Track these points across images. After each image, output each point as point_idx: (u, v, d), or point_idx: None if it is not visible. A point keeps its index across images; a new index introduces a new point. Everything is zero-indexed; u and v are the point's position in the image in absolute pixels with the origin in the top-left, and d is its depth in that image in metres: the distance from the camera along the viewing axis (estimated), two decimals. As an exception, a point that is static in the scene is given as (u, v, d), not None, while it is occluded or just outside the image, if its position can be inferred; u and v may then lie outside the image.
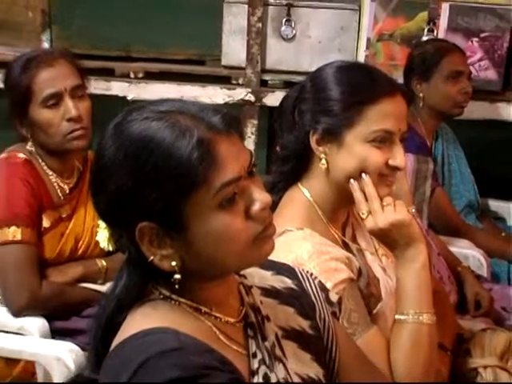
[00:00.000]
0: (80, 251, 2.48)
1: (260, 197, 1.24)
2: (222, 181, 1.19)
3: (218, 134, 1.21)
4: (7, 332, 2.28)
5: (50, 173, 2.45)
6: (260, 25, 3.28)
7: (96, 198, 1.30)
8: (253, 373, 1.30)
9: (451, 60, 3.23)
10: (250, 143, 3.28)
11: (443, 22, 3.44)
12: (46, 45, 3.59)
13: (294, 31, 3.31)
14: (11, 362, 2.27)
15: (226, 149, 1.21)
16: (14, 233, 2.32)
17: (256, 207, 1.23)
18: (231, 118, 1.25)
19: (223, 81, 3.45)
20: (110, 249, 1.46)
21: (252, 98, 3.34)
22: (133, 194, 1.21)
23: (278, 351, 1.35)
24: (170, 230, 1.22)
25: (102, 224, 1.37)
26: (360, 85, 1.79)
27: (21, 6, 3.66)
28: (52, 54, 2.50)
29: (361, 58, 3.40)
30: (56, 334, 2.34)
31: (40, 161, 2.44)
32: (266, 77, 3.38)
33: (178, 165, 1.18)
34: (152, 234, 1.23)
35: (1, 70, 3.28)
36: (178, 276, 1.24)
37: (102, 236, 1.35)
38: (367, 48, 3.42)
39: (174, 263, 1.24)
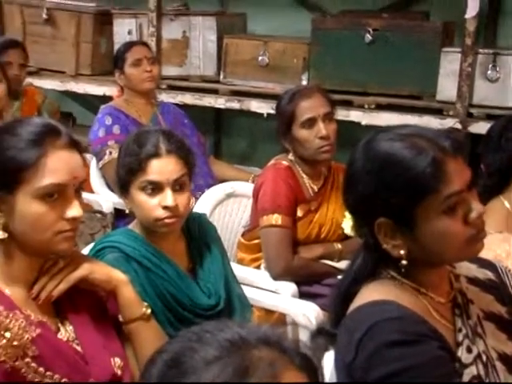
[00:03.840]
0: (322, 235, 2.47)
1: (476, 207, 1.19)
2: (448, 192, 1.16)
3: (448, 155, 1.18)
4: (267, 290, 2.31)
5: (304, 176, 2.47)
6: (470, 69, 3.16)
7: (346, 195, 1.30)
8: (458, 344, 1.24)
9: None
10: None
11: None
12: (304, 82, 3.64)
13: (499, 75, 3.14)
14: (269, 312, 2.30)
15: (453, 167, 1.17)
16: (276, 219, 2.35)
17: (473, 215, 1.18)
18: (459, 143, 1.21)
19: (436, 112, 3.34)
20: (352, 234, 1.44)
21: (459, 126, 3.21)
22: (376, 196, 1.21)
23: (479, 329, 1.28)
24: (402, 226, 1.20)
25: (347, 215, 1.37)
26: None
27: (288, 54, 3.74)
28: (311, 88, 2.52)
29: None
30: (302, 295, 2.35)
31: (297, 167, 2.46)
32: (473, 110, 3.24)
33: (414, 177, 1.17)
34: (387, 228, 1.21)
35: (272, 100, 3.44)
36: (404, 262, 1.22)
37: (347, 224, 1.35)
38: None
39: (402, 252, 1.22)
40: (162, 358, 0.73)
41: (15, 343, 1.22)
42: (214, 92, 3.91)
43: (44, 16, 4.19)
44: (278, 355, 0.71)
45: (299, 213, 2.43)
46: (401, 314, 1.20)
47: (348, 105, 3.48)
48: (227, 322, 0.76)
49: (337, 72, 3.53)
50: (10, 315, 1.24)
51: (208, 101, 3.90)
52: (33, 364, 1.24)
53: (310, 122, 2.36)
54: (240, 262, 2.51)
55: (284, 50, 3.76)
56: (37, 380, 1.24)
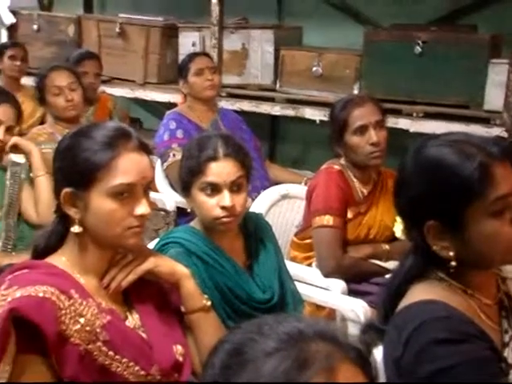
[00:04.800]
0: (371, 236, 2.44)
1: None
2: (495, 195, 1.13)
3: (495, 160, 1.14)
4: (318, 287, 2.29)
5: (355, 180, 2.44)
6: (517, 80, 3.08)
7: (397, 199, 1.28)
8: (504, 345, 1.21)
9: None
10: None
11: None
12: (356, 92, 3.61)
13: (546, 85, 3.06)
14: (320, 307, 2.28)
15: (501, 172, 1.14)
16: (328, 220, 2.33)
17: None
18: (506, 148, 1.17)
19: (483, 121, 3.26)
20: (403, 238, 1.41)
21: (505, 134, 3.12)
22: (425, 200, 1.18)
23: None
24: (451, 228, 1.17)
25: (398, 219, 1.34)
26: None
27: (341, 65, 3.71)
28: (363, 97, 2.48)
29: None
30: (351, 293, 2.32)
31: (348, 171, 2.43)
32: (518, 119, 3.16)
33: (462, 181, 1.14)
34: (436, 230, 1.18)
35: (325, 108, 3.42)
36: (453, 263, 1.19)
37: (398, 228, 1.33)
38: None
39: (451, 253, 1.18)
40: (224, 348, 0.73)
41: (88, 328, 1.24)
42: (271, 100, 3.91)
43: (117, 30, 4.27)
44: (334, 349, 0.70)
45: (349, 214, 2.40)
46: (449, 313, 1.17)
47: (397, 113, 3.43)
48: (286, 315, 0.75)
49: (387, 82, 3.49)
50: (84, 302, 1.26)
51: (264, 108, 3.90)
52: (103, 348, 1.25)
53: (362, 129, 2.34)
54: (293, 259, 2.49)
55: (337, 61, 3.74)
56: (107, 363, 1.25)
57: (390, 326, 1.24)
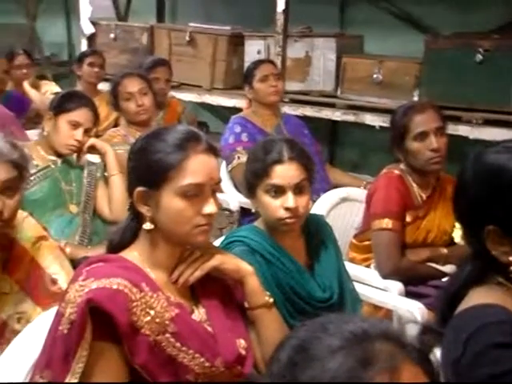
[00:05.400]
0: (429, 240, 2.39)
1: None
2: None
3: None
4: (376, 288, 2.26)
5: (414, 185, 2.39)
6: None
7: (456, 204, 1.25)
8: None
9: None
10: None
11: None
12: (415, 98, 3.55)
13: None
14: (377, 308, 2.25)
15: None
16: (387, 223, 2.29)
17: None
18: None
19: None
20: (462, 243, 1.38)
21: None
22: (485, 205, 1.15)
23: None
24: (510, 233, 1.13)
25: (457, 225, 1.31)
26: None
27: (401, 72, 3.66)
28: (424, 104, 2.44)
29: None
30: (408, 294, 2.28)
31: (408, 176, 2.39)
32: None
33: None
34: (495, 235, 1.15)
35: (384, 114, 3.38)
36: None
37: (457, 234, 1.29)
38: None
39: (510, 258, 1.14)
40: (290, 344, 0.72)
41: (157, 320, 1.25)
42: (332, 106, 3.89)
43: (187, 38, 4.33)
44: (397, 349, 0.69)
45: (408, 218, 2.36)
46: (508, 318, 1.13)
47: (457, 120, 3.36)
48: (350, 315, 0.75)
49: (447, 89, 3.42)
50: (154, 295, 1.28)
51: (326, 113, 3.89)
52: (171, 339, 1.27)
53: (423, 136, 2.29)
54: (351, 260, 2.47)
55: (397, 69, 3.70)
56: (174, 353, 1.27)
57: (448, 328, 1.21)
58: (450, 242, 2.39)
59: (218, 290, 1.44)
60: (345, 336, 0.69)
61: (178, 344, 1.27)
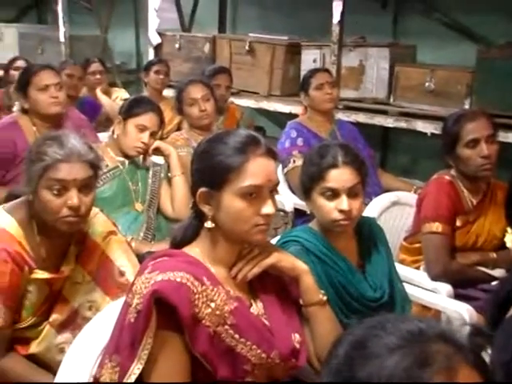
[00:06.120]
0: (479, 244, 2.33)
1: None
2: None
3: None
4: (425, 289, 2.22)
5: (465, 190, 2.34)
6: None
7: (508, 210, 1.22)
8: None
9: None
10: None
11: None
12: (466, 107, 3.47)
13: None
14: (426, 308, 2.20)
15: None
16: (437, 227, 2.25)
17: None
18: None
19: None
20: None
21: None
22: None
23: None
24: None
25: (509, 229, 1.27)
26: None
27: (453, 81, 3.59)
28: (476, 112, 2.39)
29: None
30: (457, 297, 2.22)
31: (459, 182, 2.34)
32: None
33: None
34: None
35: (435, 121, 3.32)
36: None
37: (509, 239, 1.25)
38: None
39: None
40: (348, 340, 0.72)
41: (217, 312, 1.27)
42: (384, 113, 3.84)
43: (246, 48, 4.35)
44: (454, 351, 0.67)
45: (458, 223, 2.31)
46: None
47: (508, 128, 3.26)
48: (408, 315, 0.73)
49: (498, 98, 3.32)
50: (215, 289, 1.29)
51: (378, 120, 3.84)
52: (230, 331, 1.28)
53: (474, 143, 2.24)
54: (401, 262, 2.43)
55: (449, 77, 3.62)
56: (232, 344, 1.28)
57: (498, 331, 1.18)
58: (500, 247, 2.32)
59: (274, 286, 1.44)
60: (402, 335, 0.68)
61: (236, 335, 1.28)
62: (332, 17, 3.86)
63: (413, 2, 4.23)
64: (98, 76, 4.37)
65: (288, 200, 3.06)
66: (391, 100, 3.83)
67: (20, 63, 4.14)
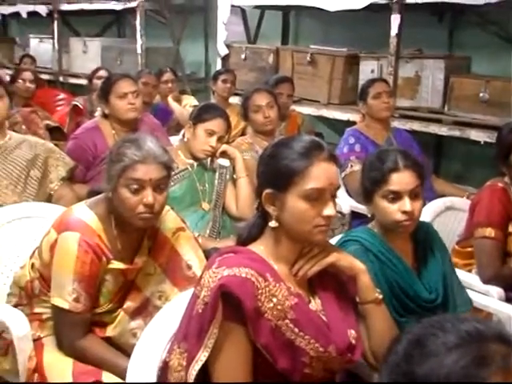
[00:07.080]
0: None
1: None
2: None
3: None
4: (477, 292, 2.14)
5: None
6: None
7: None
8: None
9: None
10: None
11: None
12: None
13: None
14: (477, 310, 2.12)
15: None
16: (490, 232, 2.18)
17: None
18: None
19: None
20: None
21: None
22: None
23: None
24: None
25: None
26: None
27: (507, 92, 3.44)
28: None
29: None
30: (508, 300, 2.14)
31: (511, 189, 2.25)
32: None
33: None
34: None
35: (489, 130, 3.19)
36: None
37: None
38: None
39: None
40: (407, 338, 0.69)
41: (279, 307, 1.26)
42: (439, 121, 3.74)
43: (308, 59, 4.32)
44: (510, 352, 0.64)
45: (510, 229, 2.22)
46: None
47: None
48: (466, 315, 0.70)
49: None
50: (277, 285, 1.28)
51: (432, 128, 3.75)
52: (290, 325, 1.26)
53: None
54: (454, 265, 2.35)
55: (503, 88, 3.48)
56: (292, 337, 1.26)
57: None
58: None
59: (333, 283, 1.42)
60: (461, 335, 0.65)
61: (296, 329, 1.27)
62: (390, 29, 3.79)
63: (469, 15, 4.10)
64: (169, 84, 4.44)
65: (345, 203, 3.02)
66: (446, 109, 3.73)
67: (102, 73, 4.26)
